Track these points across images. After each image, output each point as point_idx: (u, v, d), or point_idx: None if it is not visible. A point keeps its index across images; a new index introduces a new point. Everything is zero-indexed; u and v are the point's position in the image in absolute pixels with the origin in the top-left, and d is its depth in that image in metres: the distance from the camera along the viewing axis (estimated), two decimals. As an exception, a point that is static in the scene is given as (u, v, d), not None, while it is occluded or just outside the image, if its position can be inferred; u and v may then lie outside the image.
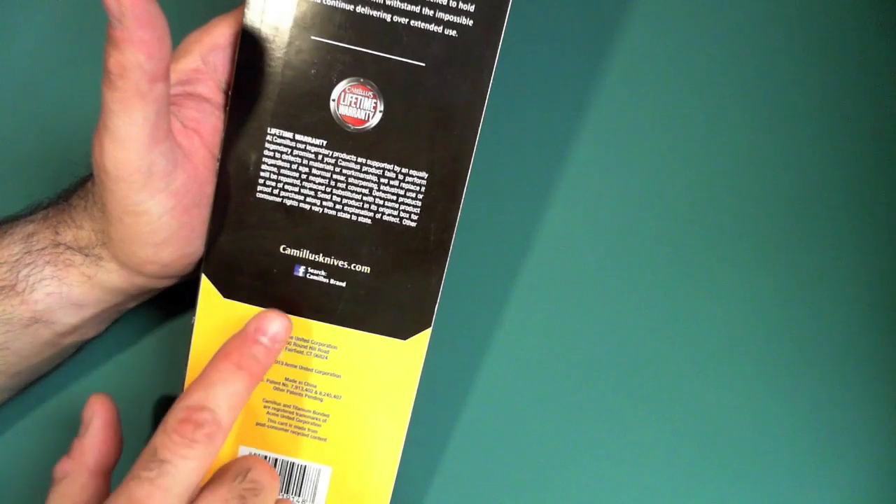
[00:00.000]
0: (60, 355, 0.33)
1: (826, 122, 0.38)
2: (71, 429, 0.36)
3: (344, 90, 0.30)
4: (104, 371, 0.37)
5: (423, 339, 0.32)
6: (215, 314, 0.32)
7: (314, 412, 0.33)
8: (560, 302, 0.38)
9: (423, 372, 0.33)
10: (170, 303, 0.37)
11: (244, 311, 0.32)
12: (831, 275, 0.38)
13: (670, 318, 0.38)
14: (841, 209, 0.38)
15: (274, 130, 0.31)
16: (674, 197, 0.38)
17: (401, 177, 0.31)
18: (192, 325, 0.32)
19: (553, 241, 0.38)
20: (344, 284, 0.32)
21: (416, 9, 0.29)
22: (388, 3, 0.29)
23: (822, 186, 0.38)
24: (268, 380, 0.33)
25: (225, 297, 0.32)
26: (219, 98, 0.31)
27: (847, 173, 0.38)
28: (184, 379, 0.33)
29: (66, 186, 0.32)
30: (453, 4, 0.29)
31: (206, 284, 0.32)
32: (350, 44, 0.30)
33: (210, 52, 0.30)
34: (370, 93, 0.30)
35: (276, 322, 0.30)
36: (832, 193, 0.38)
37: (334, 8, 0.29)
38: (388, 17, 0.30)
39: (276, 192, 0.31)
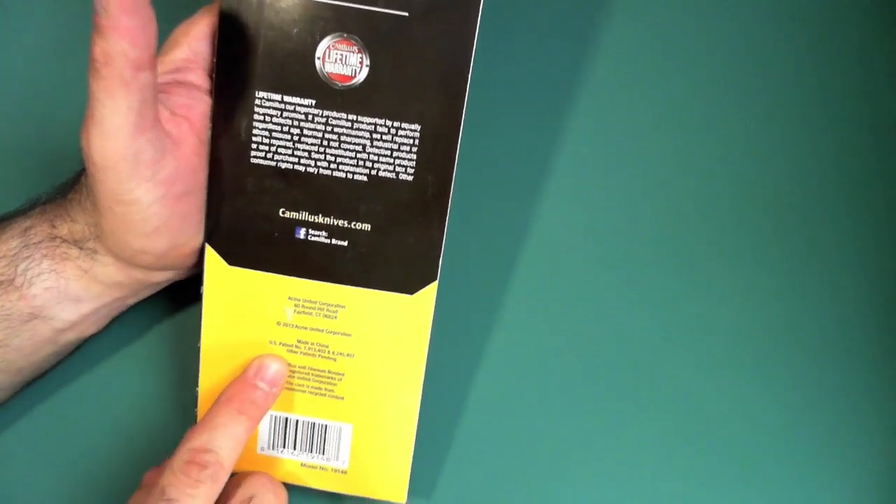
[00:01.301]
0: (61, 352, 0.33)
1: (827, 118, 0.37)
2: (73, 426, 0.37)
3: (328, 47, 0.30)
4: (106, 371, 0.37)
5: (430, 292, 0.32)
6: (222, 283, 0.32)
7: (329, 372, 0.33)
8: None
9: (436, 327, 0.33)
10: (172, 303, 0.37)
11: (250, 278, 0.32)
12: (831, 272, 0.37)
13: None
14: (841, 206, 0.37)
15: (262, 94, 0.30)
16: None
17: (393, 131, 0.31)
18: (200, 296, 0.33)
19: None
20: (346, 243, 0.32)
21: (394, -45, 0.29)
22: (364, -49, 0.29)
23: (821, 184, 0.37)
24: (280, 343, 0.33)
25: (230, 264, 0.32)
26: (208, 85, 0.31)
27: (847, 171, 0.37)
28: (198, 363, 0.33)
29: (63, 181, 0.32)
30: (432, -53, 0.29)
31: (210, 254, 0.32)
32: None
33: (198, 40, 0.30)
34: (355, 48, 0.30)
35: (272, 367, 0.32)
36: (832, 191, 0.37)
37: None
38: (365, -33, 0.29)
39: (269, 155, 0.31)
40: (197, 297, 0.33)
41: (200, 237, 0.32)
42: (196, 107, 0.30)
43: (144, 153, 0.27)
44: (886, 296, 0.37)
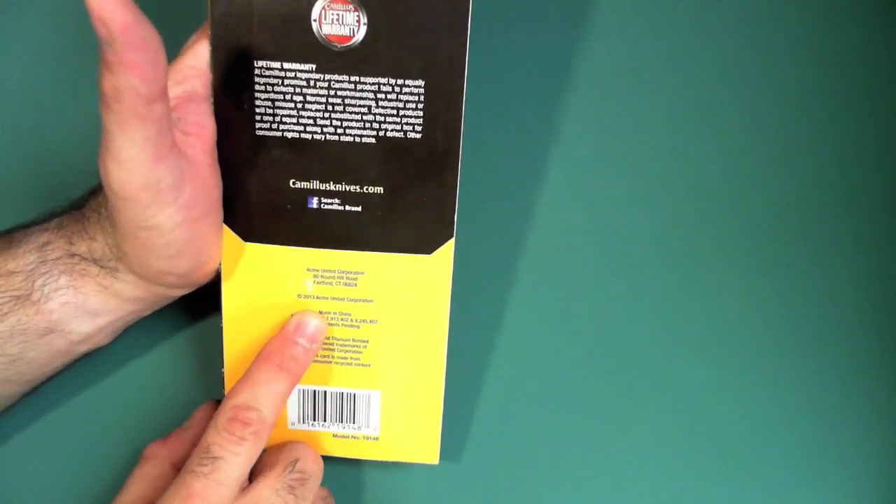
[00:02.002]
0: (72, 362, 0.33)
1: (828, 116, 0.37)
2: (84, 428, 0.37)
3: (323, 8, 0.29)
4: (115, 376, 0.37)
5: (447, 250, 0.32)
6: (239, 260, 0.32)
7: (353, 340, 0.33)
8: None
9: (456, 286, 0.32)
10: (184, 309, 0.36)
11: (267, 253, 0.32)
12: (831, 272, 0.37)
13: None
14: (841, 205, 0.37)
15: (260, 63, 0.30)
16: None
17: (397, 89, 0.30)
18: (219, 274, 0.32)
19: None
20: (359, 209, 0.32)
21: None
22: None
23: (823, 183, 0.37)
24: (302, 315, 0.33)
25: (245, 240, 0.32)
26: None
27: (848, 170, 0.37)
28: (221, 336, 0.33)
29: (80, 195, 0.32)
30: None
31: (225, 232, 0.32)
32: None
33: (202, 45, 0.30)
34: (350, 6, 0.29)
35: (311, 323, 0.32)
36: (833, 190, 0.37)
37: None
38: (354, -78, 0.28)
39: (274, 126, 0.31)
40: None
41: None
42: (206, 123, 0.30)
43: (164, 181, 0.27)
44: (888, 295, 0.37)
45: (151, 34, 0.23)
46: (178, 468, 0.33)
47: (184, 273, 0.30)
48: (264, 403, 0.30)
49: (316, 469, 0.32)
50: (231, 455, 0.29)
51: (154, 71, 0.24)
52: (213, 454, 0.29)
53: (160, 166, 0.26)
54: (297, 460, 0.31)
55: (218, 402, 0.35)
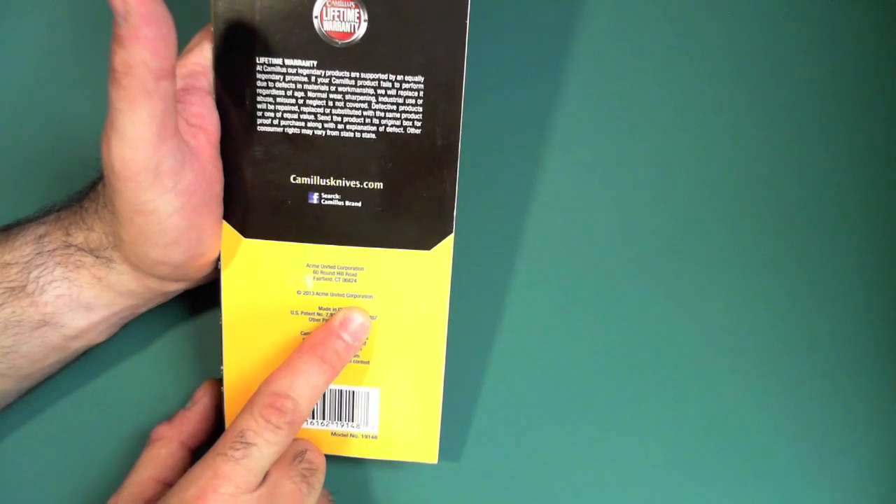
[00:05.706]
0: (68, 359, 0.33)
1: (830, 117, 0.37)
2: (82, 426, 0.36)
3: (325, 5, 0.30)
4: (113, 373, 0.37)
5: (447, 246, 0.32)
6: (239, 256, 0.32)
7: (353, 336, 0.33)
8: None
9: (455, 282, 0.33)
10: (181, 308, 0.37)
11: (267, 249, 0.32)
12: (833, 272, 0.37)
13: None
14: (844, 204, 0.37)
15: (262, 59, 0.30)
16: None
17: (397, 85, 0.30)
18: (217, 271, 0.33)
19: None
20: (360, 204, 0.32)
21: None
22: None
23: (820, 182, 0.37)
24: (302, 311, 0.33)
25: (245, 237, 0.32)
26: None
27: (850, 170, 0.37)
28: (220, 333, 0.33)
29: (79, 189, 0.32)
30: None
31: (224, 228, 0.32)
32: None
33: (209, 46, 0.30)
34: (352, 3, 0.30)
35: (356, 319, 0.32)
36: (835, 189, 0.37)
37: None
38: (356, -79, 0.29)
39: (275, 122, 0.31)
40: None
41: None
42: (210, 116, 0.30)
43: (165, 163, 0.27)
44: (889, 294, 0.37)
45: (164, 11, 0.24)
46: (188, 446, 0.34)
47: (178, 263, 0.30)
48: (302, 394, 0.30)
49: (322, 461, 0.32)
50: (264, 443, 0.29)
51: (165, 46, 0.25)
52: (247, 440, 0.29)
53: (163, 147, 0.27)
54: (305, 451, 0.32)
55: (218, 380, 0.35)
